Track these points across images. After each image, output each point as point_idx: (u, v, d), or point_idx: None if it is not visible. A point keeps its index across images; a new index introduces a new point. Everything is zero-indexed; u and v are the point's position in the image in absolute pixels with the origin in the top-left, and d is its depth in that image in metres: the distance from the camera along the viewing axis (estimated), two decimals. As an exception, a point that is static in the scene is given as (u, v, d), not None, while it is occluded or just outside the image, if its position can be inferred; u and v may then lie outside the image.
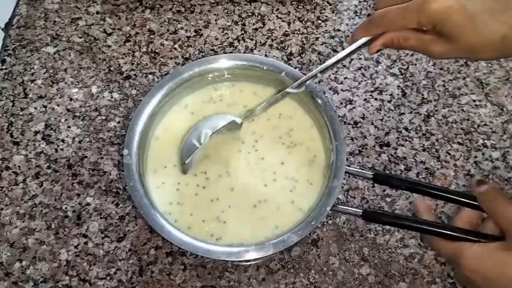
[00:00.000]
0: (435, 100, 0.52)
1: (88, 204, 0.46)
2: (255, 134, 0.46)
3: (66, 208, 0.46)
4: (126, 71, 0.53)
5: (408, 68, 0.54)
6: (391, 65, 0.54)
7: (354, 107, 0.51)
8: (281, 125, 0.46)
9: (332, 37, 0.55)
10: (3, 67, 0.53)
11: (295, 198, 0.43)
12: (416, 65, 0.54)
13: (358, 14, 0.57)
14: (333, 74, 0.53)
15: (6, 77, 0.53)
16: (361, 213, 0.42)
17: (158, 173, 0.44)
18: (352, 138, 0.50)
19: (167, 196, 0.43)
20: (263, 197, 0.43)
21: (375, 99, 0.52)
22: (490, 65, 0.54)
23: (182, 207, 0.43)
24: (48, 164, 0.48)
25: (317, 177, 0.44)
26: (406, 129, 0.50)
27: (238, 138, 0.46)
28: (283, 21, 0.56)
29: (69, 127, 0.50)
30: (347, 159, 0.42)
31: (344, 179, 0.47)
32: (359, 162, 0.48)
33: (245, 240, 0.42)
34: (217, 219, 0.42)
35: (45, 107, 0.51)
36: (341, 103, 0.51)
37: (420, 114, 0.51)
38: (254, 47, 0.54)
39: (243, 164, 0.45)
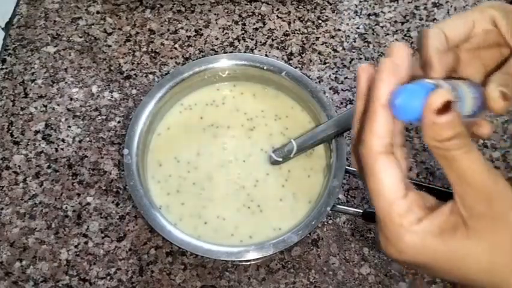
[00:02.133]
0: (435, 100, 0.52)
1: (88, 203, 0.46)
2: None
3: (66, 208, 0.46)
4: (126, 70, 0.53)
5: (408, 68, 0.54)
6: (391, 64, 0.54)
7: (354, 107, 0.51)
8: (279, 124, 0.46)
9: (333, 37, 0.55)
10: (4, 67, 0.53)
11: (295, 198, 0.43)
12: (416, 65, 0.54)
13: (358, 13, 0.57)
14: (333, 73, 0.53)
15: (6, 76, 0.53)
16: (361, 213, 0.42)
17: (159, 168, 0.44)
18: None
19: (166, 192, 0.43)
20: (263, 196, 0.43)
21: (376, 99, 0.52)
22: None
23: (182, 203, 0.43)
24: (48, 164, 0.48)
25: (317, 177, 0.44)
26: (406, 129, 0.50)
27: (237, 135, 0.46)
28: (284, 21, 0.56)
29: (69, 127, 0.50)
30: (347, 159, 0.42)
31: (344, 178, 0.46)
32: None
33: (245, 240, 0.42)
34: (217, 218, 0.43)
35: (45, 106, 0.51)
36: (341, 103, 0.51)
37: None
38: (254, 47, 0.54)
39: (241, 162, 0.45)
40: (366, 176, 0.23)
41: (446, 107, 0.21)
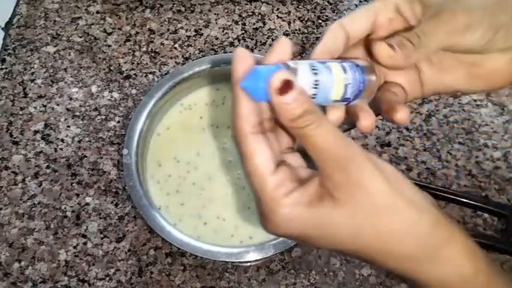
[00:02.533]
0: (436, 100, 0.52)
1: (87, 204, 0.46)
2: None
3: (65, 208, 0.46)
4: (126, 70, 0.53)
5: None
6: (392, 64, 0.54)
7: (355, 107, 0.51)
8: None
9: (333, 37, 0.55)
10: (3, 66, 0.53)
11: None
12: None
13: (359, 13, 0.57)
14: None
15: (6, 76, 0.53)
16: None
17: (159, 168, 0.44)
18: (353, 138, 0.49)
19: (165, 192, 0.43)
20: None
21: (376, 99, 0.52)
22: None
23: (181, 204, 0.43)
24: (47, 164, 0.48)
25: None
26: (407, 128, 0.50)
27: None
28: (284, 20, 0.56)
29: (68, 127, 0.50)
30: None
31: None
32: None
33: (245, 240, 0.41)
34: (217, 218, 0.42)
35: (44, 106, 0.51)
36: (342, 103, 0.51)
37: (421, 114, 0.51)
38: (254, 47, 0.54)
39: (239, 162, 0.44)
40: (241, 158, 0.24)
41: (287, 87, 0.22)
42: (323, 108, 0.27)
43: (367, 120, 0.27)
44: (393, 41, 0.26)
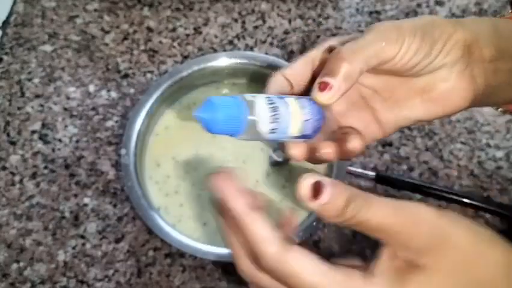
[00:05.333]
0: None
1: (86, 204, 0.46)
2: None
3: (63, 209, 0.46)
4: (124, 69, 0.52)
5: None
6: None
7: (355, 106, 0.51)
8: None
9: (334, 35, 0.55)
10: (0, 66, 0.53)
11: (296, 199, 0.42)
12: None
13: (360, 11, 0.56)
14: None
15: (3, 75, 0.52)
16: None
17: (157, 168, 0.44)
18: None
19: (164, 193, 0.43)
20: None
21: (377, 98, 0.51)
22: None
23: (180, 205, 0.43)
24: (45, 164, 0.48)
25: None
26: (409, 128, 0.50)
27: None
28: (284, 18, 0.55)
29: (66, 126, 0.49)
30: (348, 159, 0.42)
31: (346, 179, 0.46)
32: (361, 162, 0.48)
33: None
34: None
35: (42, 106, 0.50)
36: (342, 102, 0.51)
37: (422, 113, 0.50)
38: (254, 45, 0.54)
39: (240, 162, 0.44)
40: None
41: (317, 189, 0.21)
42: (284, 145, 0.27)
43: (355, 142, 0.26)
44: (320, 79, 0.25)
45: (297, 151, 0.27)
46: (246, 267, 0.22)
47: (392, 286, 0.21)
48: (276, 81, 0.27)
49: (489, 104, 0.34)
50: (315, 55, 0.28)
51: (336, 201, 0.21)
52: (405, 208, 0.21)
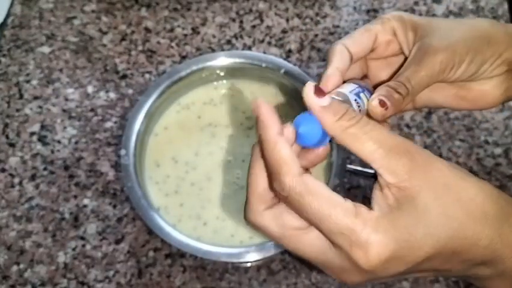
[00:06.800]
0: (436, 96, 0.51)
1: (85, 206, 0.46)
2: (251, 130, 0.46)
3: (63, 210, 0.46)
4: (122, 70, 0.52)
5: (408, 64, 0.53)
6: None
7: (354, 104, 0.51)
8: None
9: (331, 33, 0.55)
10: (-2, 68, 0.53)
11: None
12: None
13: (357, 10, 0.56)
14: (332, 71, 0.52)
15: (1, 77, 0.52)
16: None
17: (157, 168, 0.44)
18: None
19: (164, 193, 0.43)
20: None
21: (376, 96, 0.51)
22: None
23: (180, 204, 0.43)
24: (44, 166, 0.48)
25: (318, 176, 0.43)
26: (408, 126, 0.50)
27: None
28: (282, 18, 0.56)
29: (65, 128, 0.49)
30: (348, 158, 0.42)
31: (345, 177, 0.46)
32: (360, 160, 0.48)
33: (245, 240, 0.41)
34: (217, 218, 0.42)
35: (40, 107, 0.50)
36: (341, 100, 0.51)
37: (421, 111, 0.50)
38: (252, 45, 0.54)
39: (240, 162, 0.44)
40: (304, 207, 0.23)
41: (319, 90, 0.23)
42: None
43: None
44: (382, 94, 0.27)
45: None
46: (262, 188, 0.24)
47: (390, 212, 0.22)
48: (339, 51, 0.28)
49: None
50: (378, 30, 0.29)
51: (336, 106, 0.23)
52: (398, 137, 0.23)
